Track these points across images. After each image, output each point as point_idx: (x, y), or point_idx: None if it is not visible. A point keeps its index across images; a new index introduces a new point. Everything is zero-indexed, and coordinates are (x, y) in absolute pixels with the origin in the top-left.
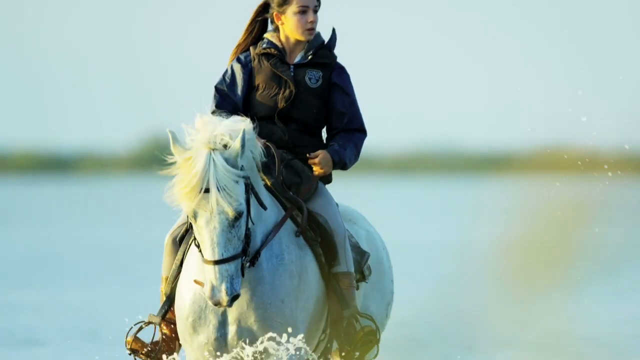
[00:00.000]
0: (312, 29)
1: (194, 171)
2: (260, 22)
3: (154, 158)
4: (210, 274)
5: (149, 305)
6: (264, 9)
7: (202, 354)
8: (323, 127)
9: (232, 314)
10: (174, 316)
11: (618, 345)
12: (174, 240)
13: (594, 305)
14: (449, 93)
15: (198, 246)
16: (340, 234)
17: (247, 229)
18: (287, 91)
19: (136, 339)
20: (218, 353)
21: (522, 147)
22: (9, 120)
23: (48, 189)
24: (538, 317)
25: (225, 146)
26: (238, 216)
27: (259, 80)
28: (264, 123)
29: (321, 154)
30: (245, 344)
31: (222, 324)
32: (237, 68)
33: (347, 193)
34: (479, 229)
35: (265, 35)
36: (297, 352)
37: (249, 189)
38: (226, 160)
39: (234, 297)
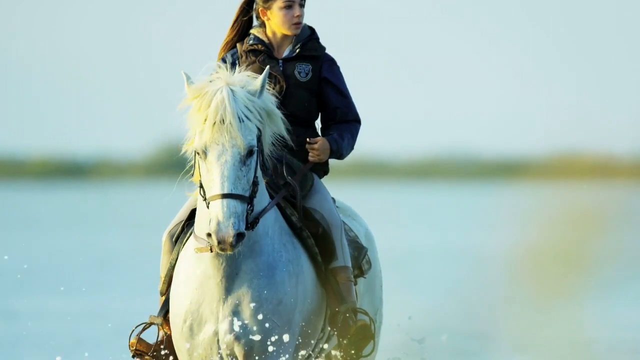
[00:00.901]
0: (299, 23)
1: (213, 101)
2: (245, 18)
3: (170, 164)
4: (217, 209)
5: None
6: (248, 4)
7: (197, 348)
8: (315, 120)
9: (228, 306)
10: None
11: (636, 350)
12: (171, 238)
13: (611, 310)
14: (465, 100)
15: (203, 192)
16: (337, 228)
17: (256, 176)
18: (277, 87)
19: (140, 340)
20: (209, 344)
21: (537, 154)
22: (26, 127)
23: (64, 195)
24: (555, 322)
25: (242, 87)
26: (250, 153)
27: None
28: None
29: (320, 141)
30: (240, 340)
31: (217, 319)
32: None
33: (361, 199)
34: (495, 235)
35: (252, 31)
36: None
37: (260, 137)
38: (245, 95)
39: (239, 236)
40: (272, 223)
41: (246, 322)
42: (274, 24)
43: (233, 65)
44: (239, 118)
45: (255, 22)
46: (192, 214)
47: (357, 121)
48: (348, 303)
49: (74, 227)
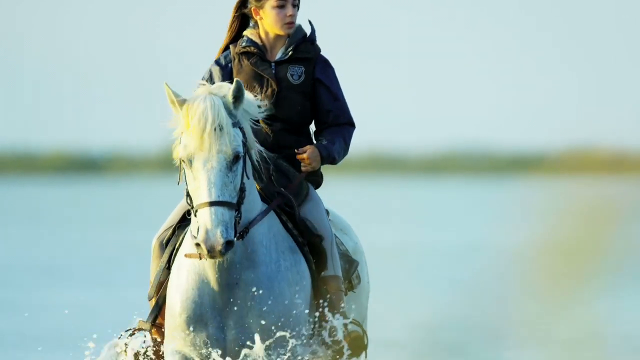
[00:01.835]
0: (292, 23)
1: (197, 110)
2: (239, 18)
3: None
4: (205, 217)
5: None
6: (242, 4)
7: (198, 352)
8: (309, 124)
9: (231, 317)
10: (164, 321)
11: None
12: (160, 243)
13: (625, 305)
14: (479, 94)
15: (190, 200)
16: (328, 238)
17: (242, 182)
18: (269, 90)
19: (126, 346)
20: (215, 351)
21: (552, 148)
22: (40, 121)
23: (79, 189)
24: (568, 317)
25: (223, 97)
26: (236, 158)
27: (240, 80)
28: None
29: (309, 149)
30: (245, 346)
31: (222, 328)
32: (216, 70)
33: (374, 194)
34: (509, 230)
35: (245, 33)
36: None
37: (245, 142)
38: (224, 103)
39: (228, 243)
40: (267, 232)
41: (248, 329)
42: (266, 23)
43: (226, 67)
44: (222, 125)
45: (250, 23)
46: (184, 218)
47: (350, 124)
48: (340, 314)
49: (88, 221)
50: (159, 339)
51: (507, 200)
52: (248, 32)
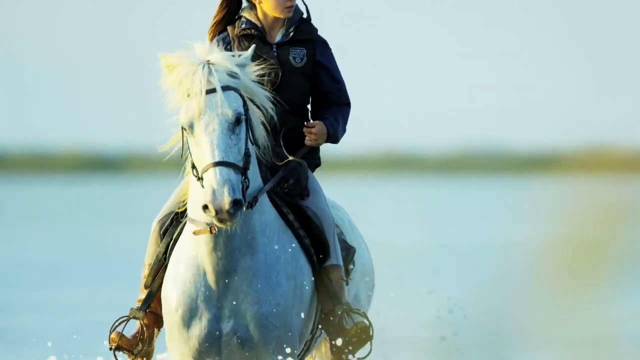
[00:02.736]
0: (292, 7)
1: (195, 74)
2: None
3: None
4: (211, 177)
5: None
6: None
7: (194, 348)
8: (308, 104)
9: (227, 307)
10: (157, 306)
11: None
12: (161, 227)
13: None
14: (494, 93)
15: (196, 171)
16: (330, 226)
17: (247, 147)
18: (273, 73)
19: (122, 336)
20: (208, 345)
21: (567, 147)
22: (58, 120)
23: (95, 188)
24: (583, 317)
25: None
26: (237, 120)
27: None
28: None
29: (318, 125)
30: (240, 342)
31: (217, 319)
32: None
33: (390, 193)
34: (524, 229)
35: (242, 14)
36: None
37: (246, 109)
38: (225, 65)
39: (235, 203)
40: (268, 221)
41: (245, 319)
42: (265, 6)
43: (225, 49)
44: (222, 87)
45: (244, 3)
46: (184, 212)
47: (348, 104)
48: (343, 304)
49: (104, 220)
50: (146, 322)
51: (523, 199)
52: (246, 13)
